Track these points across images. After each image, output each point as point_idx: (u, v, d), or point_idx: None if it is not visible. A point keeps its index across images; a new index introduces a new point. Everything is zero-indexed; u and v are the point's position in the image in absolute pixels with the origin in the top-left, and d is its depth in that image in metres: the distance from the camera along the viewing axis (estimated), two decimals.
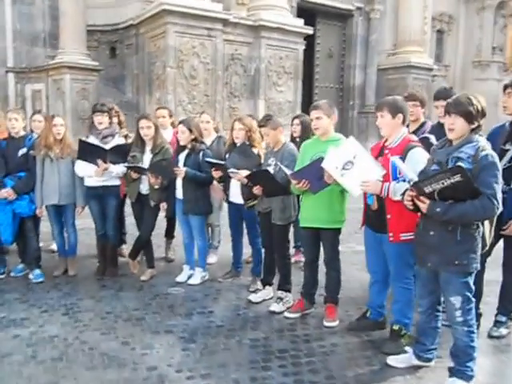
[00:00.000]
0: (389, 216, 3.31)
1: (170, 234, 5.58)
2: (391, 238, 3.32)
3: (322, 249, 4.05)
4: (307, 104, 12.19)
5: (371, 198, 3.46)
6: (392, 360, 3.32)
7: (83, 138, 4.65)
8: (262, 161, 4.38)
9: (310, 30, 11.27)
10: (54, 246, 5.71)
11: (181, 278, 4.84)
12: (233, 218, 4.78)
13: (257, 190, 4.09)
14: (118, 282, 4.84)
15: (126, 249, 5.45)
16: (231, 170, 4.25)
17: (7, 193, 4.61)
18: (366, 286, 3.94)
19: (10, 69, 10.36)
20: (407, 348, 3.36)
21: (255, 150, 4.48)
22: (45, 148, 4.70)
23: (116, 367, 3.22)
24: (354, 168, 3.24)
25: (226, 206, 5.16)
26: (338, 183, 3.54)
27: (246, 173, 4.14)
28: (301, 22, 11.04)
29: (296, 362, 3.32)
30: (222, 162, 4.42)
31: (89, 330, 3.76)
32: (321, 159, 3.52)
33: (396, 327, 3.51)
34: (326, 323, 3.88)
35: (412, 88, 13.89)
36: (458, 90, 14.77)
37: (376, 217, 3.45)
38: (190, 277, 4.86)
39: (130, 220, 5.39)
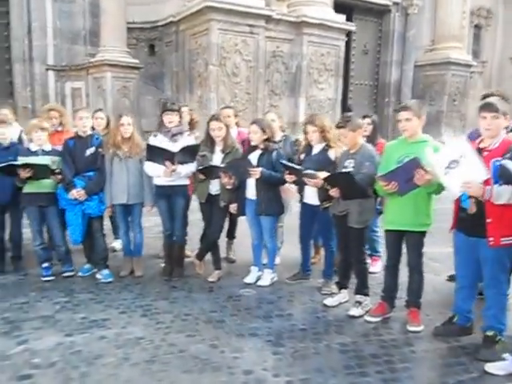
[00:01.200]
0: (489, 220, 3.22)
1: (231, 234, 5.54)
2: (491, 243, 3.23)
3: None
4: (342, 101, 12.13)
5: (466, 201, 3.37)
6: (491, 367, 3.23)
7: (150, 141, 4.61)
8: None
9: (352, 26, 11.14)
10: (115, 245, 5.73)
11: (249, 280, 4.80)
12: (305, 220, 4.71)
13: (334, 192, 4.01)
14: (186, 283, 4.81)
15: (189, 250, 5.41)
16: (309, 171, 4.18)
17: (78, 193, 4.60)
18: (440, 289, 3.88)
19: (50, 67, 10.39)
20: (507, 355, 3.27)
21: (332, 151, 4.40)
22: (113, 147, 4.69)
23: (211, 371, 3.19)
24: (458, 168, 3.16)
25: (293, 206, 5.12)
26: (428, 185, 3.48)
27: (324, 174, 4.07)
28: (342, 17, 10.89)
29: (392, 368, 3.25)
30: (298, 167, 4.34)
31: (173, 332, 3.73)
32: (416, 160, 3.44)
33: (490, 333, 3.42)
34: (410, 328, 3.80)
35: (450, 85, 13.76)
36: (494, 87, 14.54)
37: (472, 220, 3.36)
38: (258, 278, 4.82)
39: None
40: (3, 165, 4.43)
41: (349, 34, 12.43)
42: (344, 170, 3.96)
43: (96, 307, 4.19)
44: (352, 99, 14.07)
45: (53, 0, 10.31)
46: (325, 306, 4.27)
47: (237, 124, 5.36)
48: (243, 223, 5.17)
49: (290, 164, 4.40)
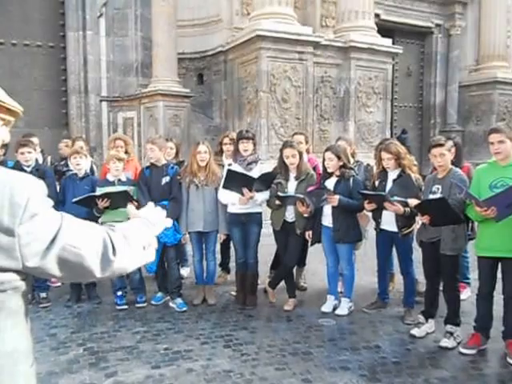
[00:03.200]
0: None
1: (302, 261, 5.45)
2: None
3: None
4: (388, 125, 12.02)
5: None
6: None
7: (231, 168, 4.60)
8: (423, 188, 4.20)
9: (398, 50, 11.10)
10: (183, 273, 5.71)
11: (326, 309, 4.68)
12: (383, 247, 4.59)
13: (425, 219, 3.88)
14: (261, 312, 4.73)
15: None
16: (397, 198, 4.08)
17: None
18: None
19: (103, 98, 10.65)
20: None
21: (412, 176, 4.30)
22: (190, 175, 4.70)
23: None
24: None
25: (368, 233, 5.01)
26: None
27: (414, 201, 3.96)
28: (389, 41, 10.87)
29: None
30: (382, 193, 4.24)
31: (261, 364, 3.64)
32: None
33: None
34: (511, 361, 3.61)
35: (498, 104, 13.50)
36: None
37: None
38: (334, 307, 4.70)
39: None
40: (84, 196, 4.49)
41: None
42: (438, 196, 3.83)
43: (176, 337, 4.14)
44: (397, 121, 13.97)
45: (106, 34, 10.61)
46: (412, 336, 4.11)
47: (307, 151, 5.32)
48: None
49: (371, 192, 4.32)
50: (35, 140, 5.66)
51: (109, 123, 10.77)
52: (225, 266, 5.67)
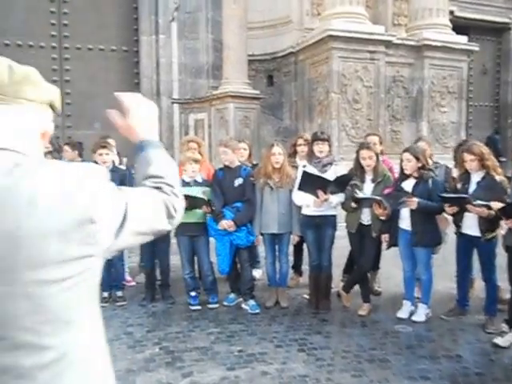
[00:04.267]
0: None
1: (376, 265, 5.31)
2: None
3: None
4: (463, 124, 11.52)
5: None
6: None
7: (306, 169, 4.56)
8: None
9: (474, 47, 10.61)
10: (255, 274, 5.70)
11: (403, 314, 4.53)
12: (463, 251, 4.39)
13: (510, 223, 3.67)
14: (335, 316, 4.65)
15: None
16: (480, 202, 3.89)
17: (227, 224, 4.64)
18: None
19: (175, 100, 10.92)
20: None
21: (496, 178, 4.08)
22: (264, 177, 4.70)
23: None
24: None
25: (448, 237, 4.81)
26: None
27: (497, 205, 3.76)
28: (464, 39, 10.42)
29: None
30: (464, 196, 4.06)
31: (336, 370, 3.57)
32: None
33: None
34: None
35: None
36: None
37: None
38: (411, 313, 4.54)
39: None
40: None
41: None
42: None
43: (250, 340, 4.14)
44: (472, 121, 13.38)
45: (178, 38, 10.86)
46: (495, 346, 3.89)
47: (381, 152, 5.18)
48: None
49: (453, 195, 4.14)
50: (112, 142, 5.85)
51: (180, 125, 11.01)
52: (297, 268, 5.62)
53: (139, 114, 1.38)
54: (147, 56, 10.77)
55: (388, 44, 9.67)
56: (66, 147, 6.16)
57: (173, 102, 10.95)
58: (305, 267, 5.71)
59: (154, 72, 10.75)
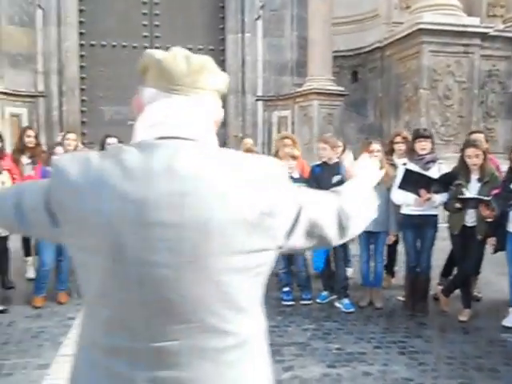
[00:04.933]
0: None
1: (477, 269, 5.06)
2: None
3: None
4: None
5: None
6: None
7: (410, 167, 4.43)
8: None
9: None
10: None
11: (509, 323, 4.29)
12: None
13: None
14: (434, 321, 4.50)
15: None
16: None
17: None
18: None
19: (259, 97, 11.01)
20: None
21: None
22: None
23: None
24: None
25: None
26: None
27: None
28: None
29: None
30: None
31: (442, 376, 3.44)
32: None
33: None
34: None
35: None
36: None
37: None
38: None
39: None
40: None
41: None
42: None
43: (347, 338, 4.09)
44: None
45: (263, 36, 10.94)
46: None
47: (487, 150, 4.92)
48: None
49: None
50: None
51: (264, 122, 11.09)
52: (389, 268, 5.49)
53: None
54: (233, 54, 10.93)
55: (484, 36, 9.20)
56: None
57: (257, 100, 11.05)
58: (396, 268, 5.59)
59: (240, 70, 10.89)
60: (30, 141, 5.69)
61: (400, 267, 5.52)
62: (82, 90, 10.64)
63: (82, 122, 10.60)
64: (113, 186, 1.01)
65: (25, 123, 10.20)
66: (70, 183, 1.05)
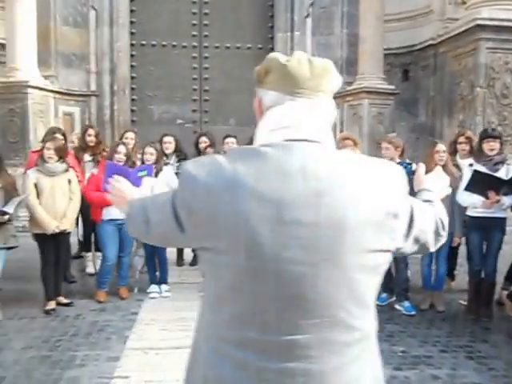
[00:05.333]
0: None
1: None
2: None
3: None
4: None
5: None
6: None
7: (478, 168, 4.31)
8: None
9: None
10: None
11: None
12: None
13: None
14: (499, 326, 4.39)
15: None
16: None
17: None
18: None
19: None
20: None
21: None
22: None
23: None
24: None
25: None
26: None
27: None
28: None
29: None
30: None
31: None
32: None
33: None
34: None
35: None
36: None
37: None
38: None
39: None
40: None
41: None
42: None
43: (411, 341, 4.03)
44: None
45: (312, 34, 10.89)
46: None
47: None
48: None
49: None
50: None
51: None
52: (450, 271, 5.36)
53: None
54: (282, 53, 10.86)
55: None
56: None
57: None
58: (456, 271, 5.46)
59: None
60: (90, 139, 5.85)
61: (460, 270, 5.39)
62: (133, 89, 10.86)
63: (132, 121, 10.80)
64: (248, 187, 1.05)
65: (77, 122, 10.53)
66: (202, 187, 1.10)
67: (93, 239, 5.84)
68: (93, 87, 10.61)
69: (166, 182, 4.99)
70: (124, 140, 5.77)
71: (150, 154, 5.06)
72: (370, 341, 1.17)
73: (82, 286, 5.44)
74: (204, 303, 1.22)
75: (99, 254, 5.71)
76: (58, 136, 5.27)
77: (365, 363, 1.15)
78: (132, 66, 10.83)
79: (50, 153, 4.57)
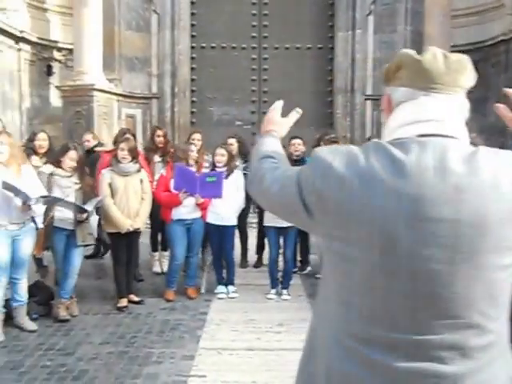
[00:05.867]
0: None
1: None
2: None
3: None
4: None
5: None
6: None
7: None
8: None
9: None
10: None
11: None
12: None
13: None
14: None
15: None
16: None
17: None
18: None
19: (368, 96, 10.71)
20: None
21: None
22: None
23: None
24: None
25: None
26: None
27: None
28: None
29: None
30: None
31: None
32: None
33: None
34: None
35: None
36: None
37: None
38: None
39: None
40: None
41: None
42: None
43: None
44: None
45: (374, 32, 10.64)
46: None
47: None
48: None
49: None
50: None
51: (372, 122, 10.78)
52: None
53: None
54: (342, 52, 10.74)
55: None
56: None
57: (366, 99, 10.77)
58: None
59: (349, 68, 10.68)
60: (159, 140, 5.91)
61: None
62: (193, 91, 10.98)
63: (192, 123, 10.92)
64: (385, 181, 1.04)
65: (139, 124, 10.74)
66: (335, 174, 1.09)
67: (160, 239, 5.89)
68: (154, 90, 10.80)
69: (236, 184, 4.97)
70: (191, 141, 5.79)
71: (221, 155, 5.05)
72: (503, 342, 1.12)
73: (150, 285, 5.49)
74: (326, 299, 1.19)
75: (166, 253, 5.76)
76: (130, 137, 5.35)
77: (499, 365, 1.10)
78: (192, 69, 10.94)
79: (124, 153, 4.64)
